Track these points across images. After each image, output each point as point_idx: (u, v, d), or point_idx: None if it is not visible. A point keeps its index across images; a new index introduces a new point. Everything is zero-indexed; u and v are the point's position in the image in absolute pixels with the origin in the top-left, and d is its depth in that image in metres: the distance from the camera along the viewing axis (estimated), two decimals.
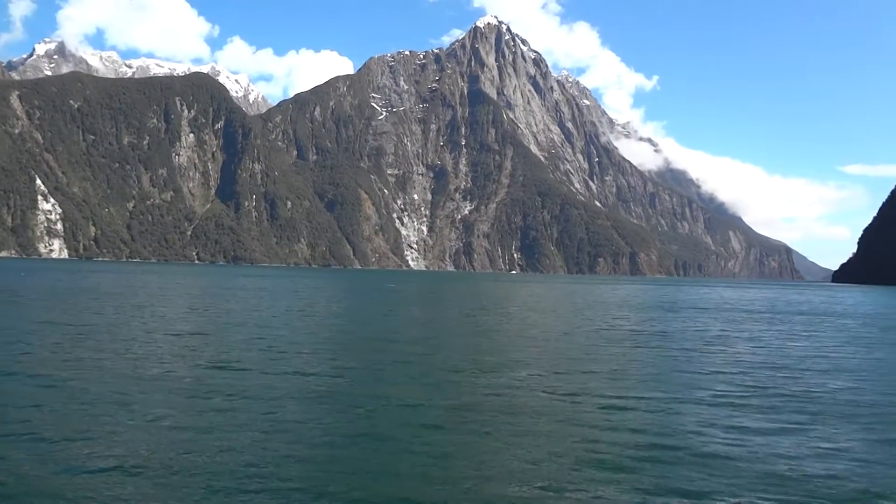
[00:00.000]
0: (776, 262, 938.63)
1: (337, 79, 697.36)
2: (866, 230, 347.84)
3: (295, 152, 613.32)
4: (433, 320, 52.25)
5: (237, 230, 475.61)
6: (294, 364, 24.71)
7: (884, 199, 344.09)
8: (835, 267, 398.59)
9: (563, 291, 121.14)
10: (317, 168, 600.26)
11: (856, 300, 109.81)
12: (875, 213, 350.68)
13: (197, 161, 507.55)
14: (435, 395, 19.74)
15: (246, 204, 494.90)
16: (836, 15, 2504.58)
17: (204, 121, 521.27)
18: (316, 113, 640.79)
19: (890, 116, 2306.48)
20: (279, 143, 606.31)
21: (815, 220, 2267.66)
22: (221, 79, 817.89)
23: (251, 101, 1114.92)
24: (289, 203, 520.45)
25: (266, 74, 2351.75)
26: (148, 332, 34.21)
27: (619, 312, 62.92)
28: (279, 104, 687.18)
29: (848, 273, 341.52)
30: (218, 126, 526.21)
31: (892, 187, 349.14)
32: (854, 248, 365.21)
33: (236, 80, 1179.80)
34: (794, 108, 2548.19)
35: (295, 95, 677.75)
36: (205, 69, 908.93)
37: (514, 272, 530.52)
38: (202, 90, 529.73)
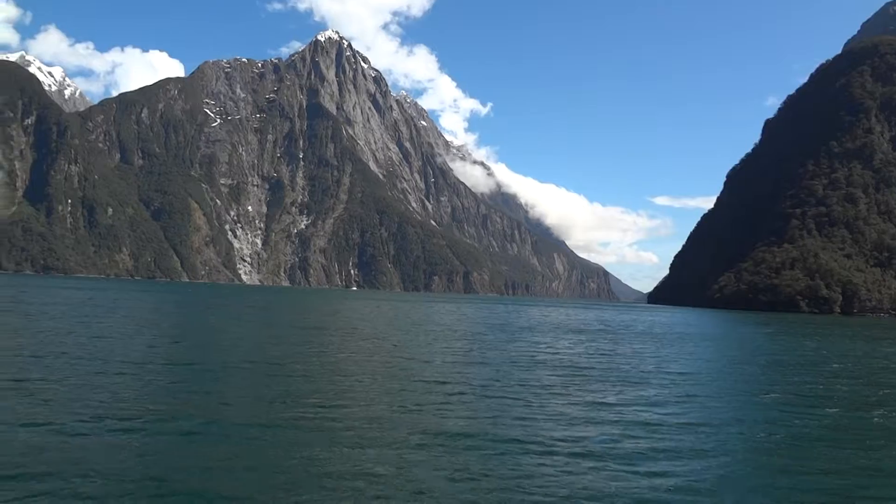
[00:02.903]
0: (595, 283, 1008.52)
1: (168, 80, 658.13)
2: (676, 256, 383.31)
3: (118, 155, 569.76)
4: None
5: (48, 237, 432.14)
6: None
7: (687, 228, 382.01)
8: (645, 289, 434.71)
9: (425, 311, 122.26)
10: (142, 174, 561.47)
11: (686, 320, 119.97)
12: (683, 242, 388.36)
13: (1, 158, 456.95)
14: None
15: (60, 209, 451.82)
16: (653, 55, 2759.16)
17: (11, 114, 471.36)
18: (143, 115, 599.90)
19: (692, 155, 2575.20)
20: (100, 145, 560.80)
21: (629, 246, 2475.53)
22: (32, 70, 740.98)
23: (67, 97, 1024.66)
24: (109, 210, 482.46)
25: (85, 70, 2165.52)
26: None
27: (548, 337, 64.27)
28: (101, 103, 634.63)
29: (661, 295, 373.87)
30: (28, 121, 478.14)
31: (696, 218, 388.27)
32: (661, 273, 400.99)
33: (50, 73, 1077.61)
34: (611, 142, 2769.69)
35: (120, 95, 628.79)
36: (12, 58, 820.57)
37: (353, 288, 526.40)
38: (9, 79, 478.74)
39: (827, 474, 16.68)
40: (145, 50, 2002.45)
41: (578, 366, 37.81)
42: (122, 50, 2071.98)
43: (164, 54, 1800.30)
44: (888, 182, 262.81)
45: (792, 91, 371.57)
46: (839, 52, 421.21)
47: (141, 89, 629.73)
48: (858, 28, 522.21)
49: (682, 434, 20.74)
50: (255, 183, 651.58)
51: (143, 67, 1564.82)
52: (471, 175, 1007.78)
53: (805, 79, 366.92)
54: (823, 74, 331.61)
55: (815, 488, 15.48)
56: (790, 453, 18.79)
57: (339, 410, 21.54)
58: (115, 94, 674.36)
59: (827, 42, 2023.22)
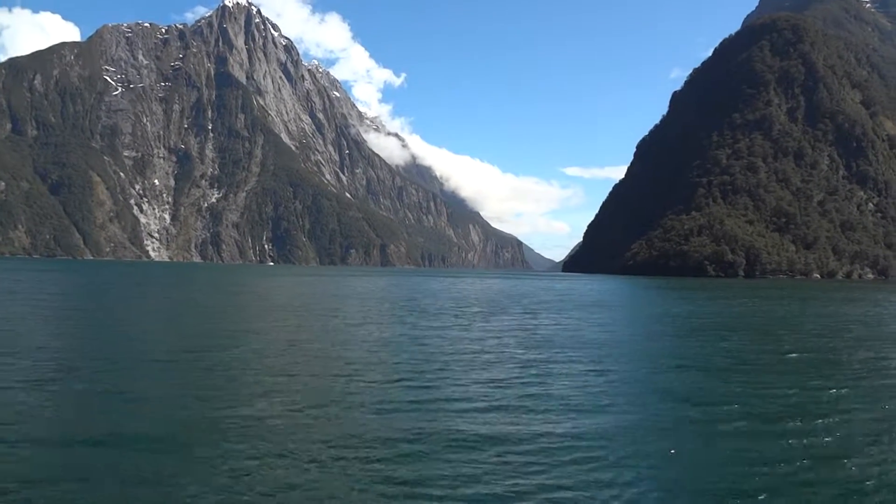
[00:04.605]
0: (509, 253, 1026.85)
1: (63, 45, 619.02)
2: (590, 226, 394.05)
3: (9, 125, 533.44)
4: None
5: None
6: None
7: (597, 198, 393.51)
8: (556, 258, 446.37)
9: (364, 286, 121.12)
10: (37, 145, 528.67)
11: (603, 287, 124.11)
12: (594, 211, 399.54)
13: None
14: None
15: None
16: (563, 24, 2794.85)
17: None
18: (36, 82, 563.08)
19: (601, 126, 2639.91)
20: None
21: (541, 216, 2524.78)
22: None
23: None
24: (2, 184, 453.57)
25: None
26: None
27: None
28: None
29: (575, 263, 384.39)
30: None
31: (606, 187, 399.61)
32: (572, 242, 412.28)
33: None
34: (524, 112, 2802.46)
35: (9, 60, 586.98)
36: None
37: (270, 264, 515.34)
38: None
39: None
40: (35, 11, 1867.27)
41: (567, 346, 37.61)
42: (10, 11, 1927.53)
43: (58, 17, 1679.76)
44: (785, 152, 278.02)
45: (696, 64, 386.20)
46: (739, 26, 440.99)
47: (33, 54, 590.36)
48: (757, 4, 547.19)
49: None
50: (162, 155, 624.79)
51: (33, 30, 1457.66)
52: (385, 147, 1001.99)
53: (709, 53, 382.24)
54: (726, 49, 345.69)
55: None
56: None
57: (260, 410, 17.76)
58: (2, 58, 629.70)
59: (728, 16, 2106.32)
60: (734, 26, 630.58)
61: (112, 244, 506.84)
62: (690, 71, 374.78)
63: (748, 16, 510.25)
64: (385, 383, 21.72)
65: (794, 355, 30.79)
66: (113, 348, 28.87)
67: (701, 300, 79.55)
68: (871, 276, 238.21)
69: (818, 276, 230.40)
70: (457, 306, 60.61)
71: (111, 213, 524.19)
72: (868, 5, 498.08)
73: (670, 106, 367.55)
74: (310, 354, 27.97)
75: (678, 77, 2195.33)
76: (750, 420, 17.74)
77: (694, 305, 68.76)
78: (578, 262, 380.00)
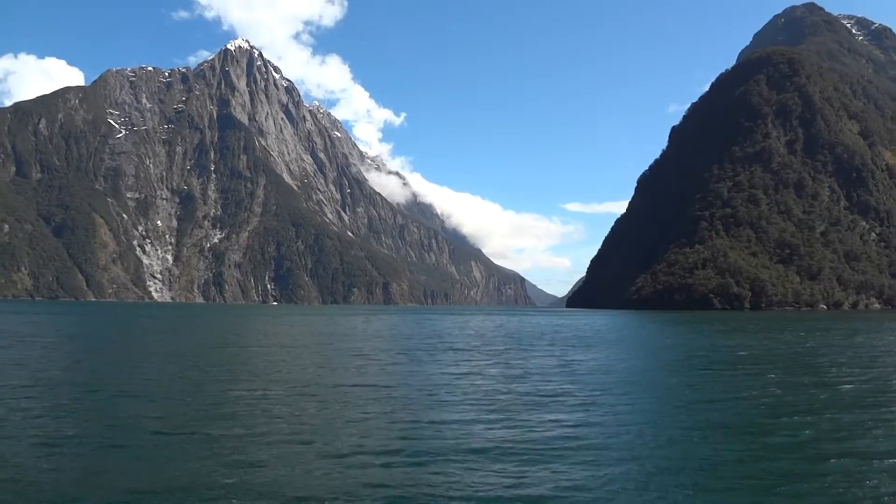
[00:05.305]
0: (512, 289, 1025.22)
1: (67, 90, 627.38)
2: (593, 261, 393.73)
3: (13, 168, 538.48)
4: None
5: None
6: None
7: (598, 233, 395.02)
8: (558, 293, 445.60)
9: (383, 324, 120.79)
10: (41, 188, 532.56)
11: (619, 323, 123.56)
12: (594, 246, 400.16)
13: None
14: None
15: None
16: (561, 63, 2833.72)
17: None
18: (41, 126, 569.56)
19: (600, 162, 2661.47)
20: None
21: (542, 252, 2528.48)
22: None
23: None
24: (6, 226, 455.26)
25: None
26: None
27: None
28: None
29: (580, 299, 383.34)
30: None
31: (606, 222, 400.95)
32: (573, 277, 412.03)
33: None
34: (524, 150, 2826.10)
35: (15, 104, 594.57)
36: None
37: (273, 304, 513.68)
38: None
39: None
40: (41, 57, 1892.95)
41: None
42: (16, 57, 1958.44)
43: (63, 62, 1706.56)
44: (785, 183, 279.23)
45: (693, 99, 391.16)
46: (734, 60, 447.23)
47: (38, 98, 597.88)
48: (751, 39, 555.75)
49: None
50: (165, 196, 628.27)
51: (38, 76, 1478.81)
52: (386, 185, 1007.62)
53: (706, 87, 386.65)
54: (723, 83, 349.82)
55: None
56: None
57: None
58: (8, 103, 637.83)
59: (723, 51, 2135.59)
60: (729, 61, 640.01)
61: (115, 285, 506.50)
62: (688, 105, 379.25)
63: (743, 50, 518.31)
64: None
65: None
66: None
67: (728, 333, 77.92)
68: (877, 305, 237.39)
69: (824, 307, 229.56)
70: (483, 344, 60.23)
71: (114, 255, 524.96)
72: (861, 38, 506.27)
73: (669, 140, 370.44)
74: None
75: (676, 112, 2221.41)
76: None
77: (731, 340, 66.44)
78: (583, 297, 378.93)
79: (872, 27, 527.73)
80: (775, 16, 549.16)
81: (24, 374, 31.50)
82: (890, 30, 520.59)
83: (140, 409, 22.72)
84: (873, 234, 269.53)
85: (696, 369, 37.59)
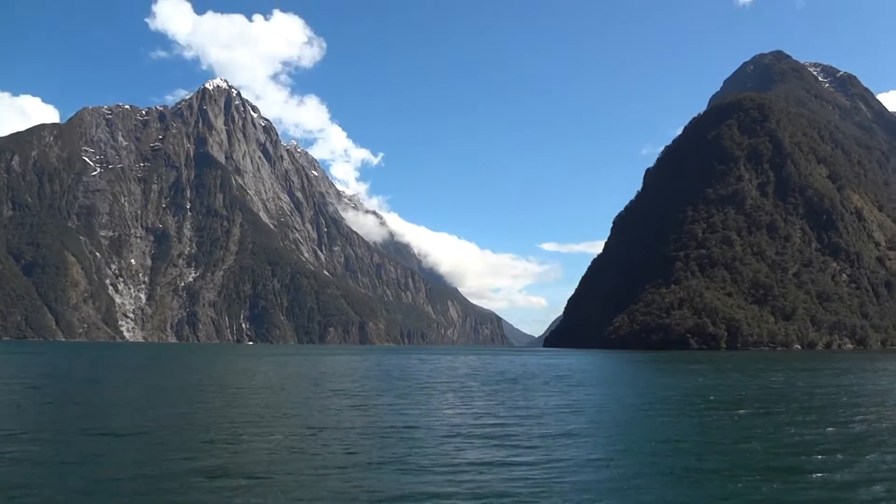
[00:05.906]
0: (489, 329, 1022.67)
1: (42, 126, 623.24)
2: (570, 300, 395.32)
3: None
4: None
5: None
6: None
7: (574, 273, 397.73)
8: (535, 332, 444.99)
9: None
10: (12, 225, 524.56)
11: (602, 362, 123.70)
12: (571, 285, 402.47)
13: None
14: None
15: None
16: (536, 106, 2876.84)
17: None
18: (14, 163, 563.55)
19: (575, 203, 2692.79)
20: None
21: (519, 291, 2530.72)
22: None
23: None
24: None
25: None
26: None
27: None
28: None
29: (557, 338, 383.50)
30: None
31: (582, 262, 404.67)
32: (550, 316, 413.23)
33: None
34: (501, 192, 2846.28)
35: None
36: None
37: (249, 343, 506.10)
38: None
39: None
40: (15, 94, 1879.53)
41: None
42: None
43: (38, 100, 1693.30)
44: (758, 225, 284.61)
45: (666, 142, 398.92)
46: (705, 105, 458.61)
47: (12, 135, 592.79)
48: (721, 85, 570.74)
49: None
50: (139, 235, 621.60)
51: (13, 113, 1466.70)
52: (363, 224, 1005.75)
53: (678, 130, 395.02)
54: (695, 127, 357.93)
55: None
56: None
57: None
58: None
59: (694, 96, 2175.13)
60: (700, 106, 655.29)
61: (85, 325, 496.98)
62: (661, 148, 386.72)
63: (713, 96, 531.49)
64: None
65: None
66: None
67: (713, 374, 78.63)
68: (849, 346, 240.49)
69: (798, 346, 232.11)
70: (482, 383, 59.87)
71: (85, 294, 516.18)
72: (827, 85, 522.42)
73: (644, 182, 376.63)
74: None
75: (649, 154, 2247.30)
76: None
77: (711, 379, 67.57)
78: (560, 336, 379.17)
79: (838, 74, 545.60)
80: (744, 63, 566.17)
81: None
82: (854, 77, 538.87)
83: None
84: (844, 275, 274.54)
85: (709, 410, 37.74)
